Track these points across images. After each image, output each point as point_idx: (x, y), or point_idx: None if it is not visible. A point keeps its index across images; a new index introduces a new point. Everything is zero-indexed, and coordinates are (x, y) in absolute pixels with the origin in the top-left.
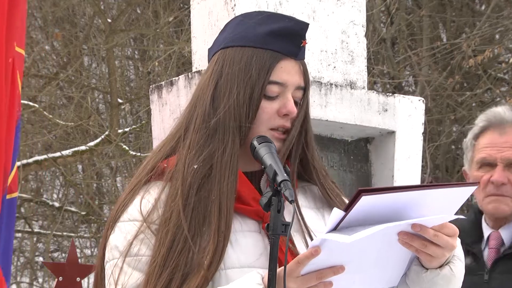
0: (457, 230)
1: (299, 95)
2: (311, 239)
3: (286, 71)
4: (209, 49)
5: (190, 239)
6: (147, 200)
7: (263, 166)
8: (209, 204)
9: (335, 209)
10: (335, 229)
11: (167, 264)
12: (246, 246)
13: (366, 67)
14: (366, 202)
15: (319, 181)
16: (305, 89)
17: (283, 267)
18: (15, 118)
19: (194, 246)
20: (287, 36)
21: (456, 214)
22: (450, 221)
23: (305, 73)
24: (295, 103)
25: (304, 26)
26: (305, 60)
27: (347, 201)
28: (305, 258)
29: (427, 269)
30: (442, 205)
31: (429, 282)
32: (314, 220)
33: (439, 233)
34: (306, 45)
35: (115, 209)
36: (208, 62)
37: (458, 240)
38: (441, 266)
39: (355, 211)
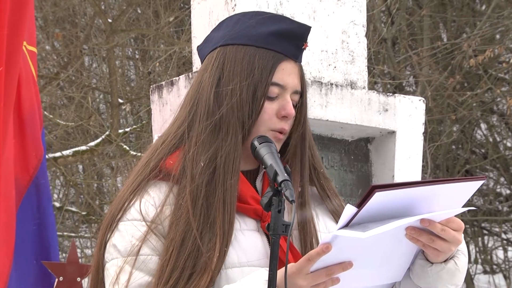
0: (463, 225)
1: (295, 99)
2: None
3: (286, 73)
4: (199, 47)
5: (199, 239)
6: (146, 201)
7: (263, 166)
8: (214, 202)
9: (348, 205)
10: (346, 225)
11: (177, 264)
12: (245, 245)
13: (366, 67)
14: (379, 198)
15: (319, 182)
16: (302, 93)
17: (290, 265)
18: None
19: (202, 245)
20: (290, 38)
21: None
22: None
23: (302, 77)
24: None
25: (306, 28)
26: (305, 59)
27: (343, 203)
28: (316, 255)
29: (432, 263)
30: (450, 200)
31: (434, 276)
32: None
33: (446, 227)
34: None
35: (114, 208)
36: (201, 59)
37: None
38: (445, 260)
39: (367, 207)
